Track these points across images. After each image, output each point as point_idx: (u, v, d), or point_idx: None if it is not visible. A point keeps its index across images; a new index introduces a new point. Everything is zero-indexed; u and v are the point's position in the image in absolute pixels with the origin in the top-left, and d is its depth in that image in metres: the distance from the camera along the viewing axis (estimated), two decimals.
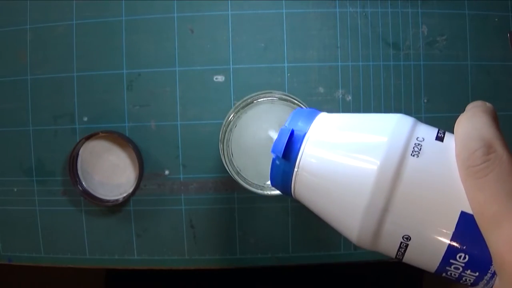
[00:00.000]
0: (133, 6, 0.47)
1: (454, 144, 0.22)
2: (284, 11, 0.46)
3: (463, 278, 0.21)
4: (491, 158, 0.20)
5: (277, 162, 0.25)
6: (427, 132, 0.23)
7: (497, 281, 0.20)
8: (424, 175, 0.21)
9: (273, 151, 0.24)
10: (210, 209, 0.47)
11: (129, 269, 0.48)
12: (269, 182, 0.33)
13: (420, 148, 0.22)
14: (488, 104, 0.23)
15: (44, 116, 0.47)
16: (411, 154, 0.21)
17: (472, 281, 0.21)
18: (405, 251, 0.22)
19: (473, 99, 0.46)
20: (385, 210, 0.21)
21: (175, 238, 0.47)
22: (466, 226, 0.20)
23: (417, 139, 0.22)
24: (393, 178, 0.21)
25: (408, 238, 0.21)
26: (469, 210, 0.20)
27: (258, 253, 0.47)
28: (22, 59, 0.47)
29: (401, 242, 0.22)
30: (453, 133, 0.23)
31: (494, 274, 0.20)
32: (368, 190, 0.21)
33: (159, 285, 0.62)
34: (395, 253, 0.22)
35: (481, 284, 0.21)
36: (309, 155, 0.24)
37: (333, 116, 0.26)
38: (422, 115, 0.47)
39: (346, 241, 0.47)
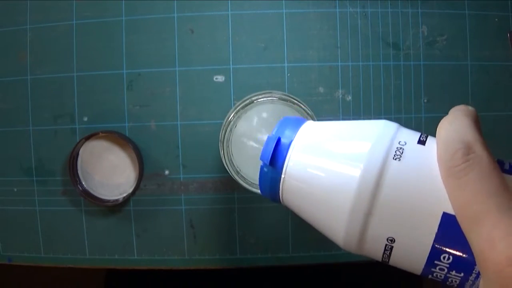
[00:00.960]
0: (133, 6, 0.47)
1: (436, 147, 0.22)
2: (284, 11, 0.46)
3: (449, 280, 0.21)
4: (471, 158, 0.20)
5: (265, 169, 0.25)
6: (410, 136, 0.23)
7: (481, 282, 0.20)
8: (406, 178, 0.22)
9: (261, 158, 0.25)
10: (210, 209, 0.47)
11: (129, 269, 0.48)
12: None
13: (402, 152, 0.22)
14: (470, 107, 0.23)
15: (44, 116, 0.47)
16: (393, 158, 0.22)
17: (458, 282, 0.21)
18: (390, 253, 0.22)
19: (473, 99, 0.46)
20: (368, 214, 0.22)
21: (175, 238, 0.47)
22: (449, 227, 0.20)
23: (399, 143, 0.23)
24: (376, 181, 0.21)
25: (393, 240, 0.22)
26: (451, 211, 0.20)
27: (258, 253, 0.47)
28: (22, 59, 0.47)
29: (386, 245, 0.22)
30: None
31: (478, 274, 0.20)
32: (351, 194, 0.22)
33: (159, 285, 0.62)
34: (381, 256, 0.23)
35: (467, 285, 0.21)
36: (296, 161, 0.24)
37: (319, 124, 0.26)
38: (422, 115, 0.47)
39: None
